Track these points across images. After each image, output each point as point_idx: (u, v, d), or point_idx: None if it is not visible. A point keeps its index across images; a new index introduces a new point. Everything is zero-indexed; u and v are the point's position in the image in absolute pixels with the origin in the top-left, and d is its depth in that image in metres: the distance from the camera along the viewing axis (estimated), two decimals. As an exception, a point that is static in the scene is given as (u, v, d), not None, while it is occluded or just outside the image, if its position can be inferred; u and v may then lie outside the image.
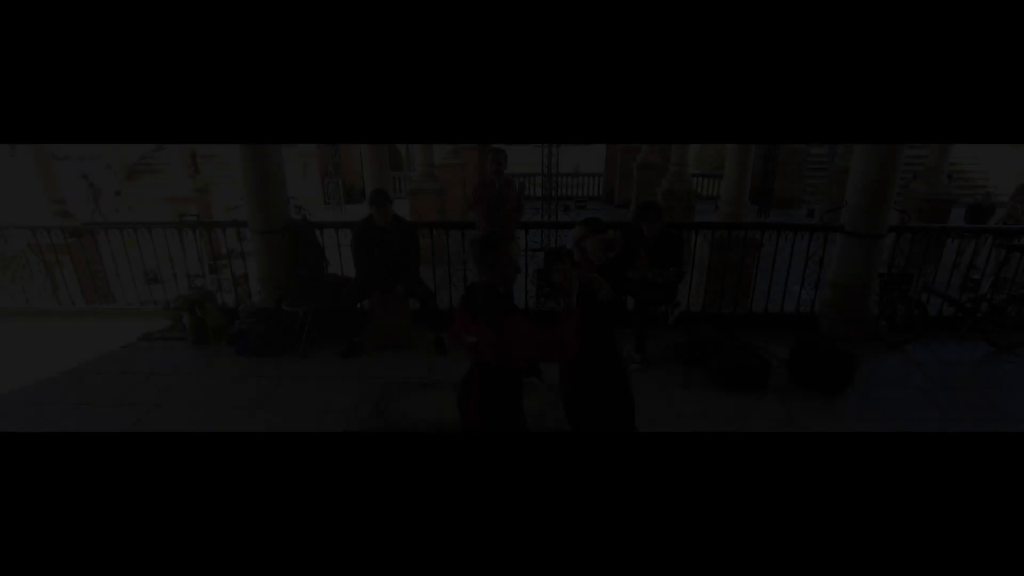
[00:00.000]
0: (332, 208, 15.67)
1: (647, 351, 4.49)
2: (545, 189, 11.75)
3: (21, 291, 5.71)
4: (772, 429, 3.70)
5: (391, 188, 9.89)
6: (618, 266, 2.91)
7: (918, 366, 4.54)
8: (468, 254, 2.36)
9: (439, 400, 3.91)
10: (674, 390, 4.16)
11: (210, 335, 4.95)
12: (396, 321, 4.80)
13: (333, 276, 5.30)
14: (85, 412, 3.92)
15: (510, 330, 2.25)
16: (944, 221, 8.92)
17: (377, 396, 4.07)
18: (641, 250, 4.14)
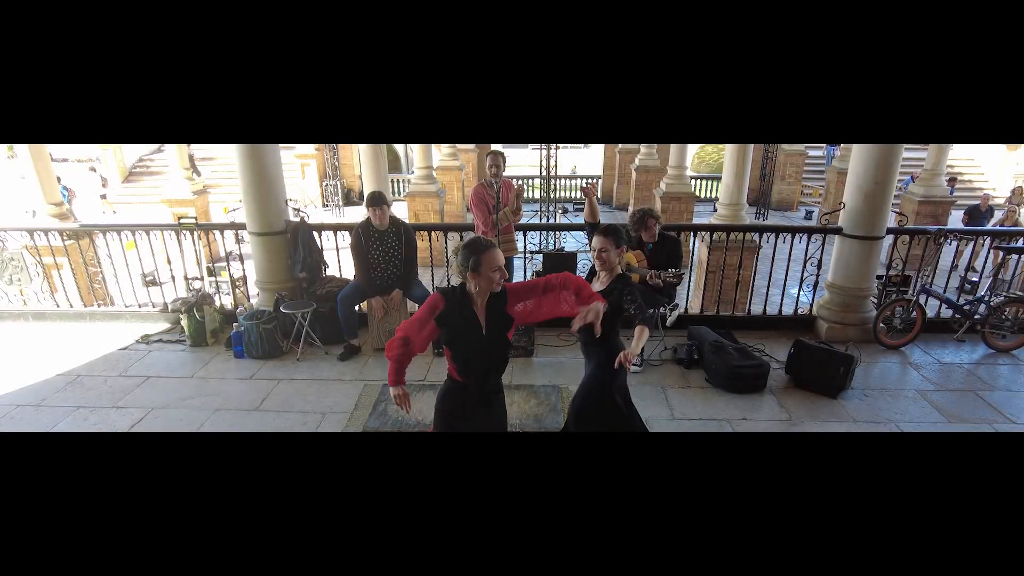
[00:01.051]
0: (331, 210, 15.68)
1: (645, 353, 4.50)
2: (543, 191, 11.78)
3: (19, 293, 5.69)
4: (771, 431, 3.70)
5: (389, 190, 9.90)
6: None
7: (916, 368, 4.55)
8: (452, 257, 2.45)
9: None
10: (672, 392, 4.16)
11: (208, 337, 4.95)
12: (394, 324, 4.80)
13: (331, 278, 5.30)
14: (83, 414, 3.91)
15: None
16: (942, 223, 8.94)
17: (376, 397, 4.07)
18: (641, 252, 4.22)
